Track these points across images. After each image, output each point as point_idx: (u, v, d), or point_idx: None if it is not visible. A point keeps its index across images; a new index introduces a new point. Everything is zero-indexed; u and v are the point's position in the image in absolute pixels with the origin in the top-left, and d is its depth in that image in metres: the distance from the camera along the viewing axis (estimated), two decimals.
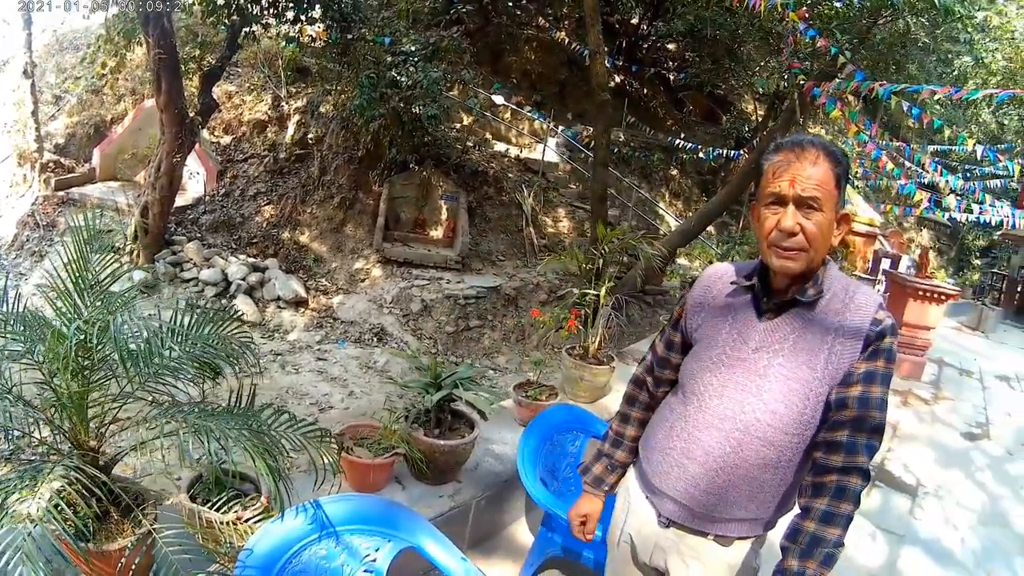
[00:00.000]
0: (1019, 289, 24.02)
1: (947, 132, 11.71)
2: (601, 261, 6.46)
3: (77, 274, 2.90)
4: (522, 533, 4.51)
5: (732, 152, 17.23)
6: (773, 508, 2.18)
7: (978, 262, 32.28)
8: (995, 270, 28.86)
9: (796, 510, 2.12)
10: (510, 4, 19.28)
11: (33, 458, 2.72)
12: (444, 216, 13.80)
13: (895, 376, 9.23)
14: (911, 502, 6.43)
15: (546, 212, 15.02)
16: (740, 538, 2.21)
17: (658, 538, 2.32)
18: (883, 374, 1.99)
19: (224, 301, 11.13)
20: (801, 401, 2.01)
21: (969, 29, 14.62)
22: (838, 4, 11.91)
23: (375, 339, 11.16)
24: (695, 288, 2.34)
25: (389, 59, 12.66)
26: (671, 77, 22.02)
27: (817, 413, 2.02)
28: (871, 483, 6.21)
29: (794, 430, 2.03)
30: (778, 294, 2.10)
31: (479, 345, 11.53)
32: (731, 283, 2.22)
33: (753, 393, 2.06)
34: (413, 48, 13.10)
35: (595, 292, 6.17)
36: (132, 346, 2.80)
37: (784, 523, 2.16)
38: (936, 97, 8.55)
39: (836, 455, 1.98)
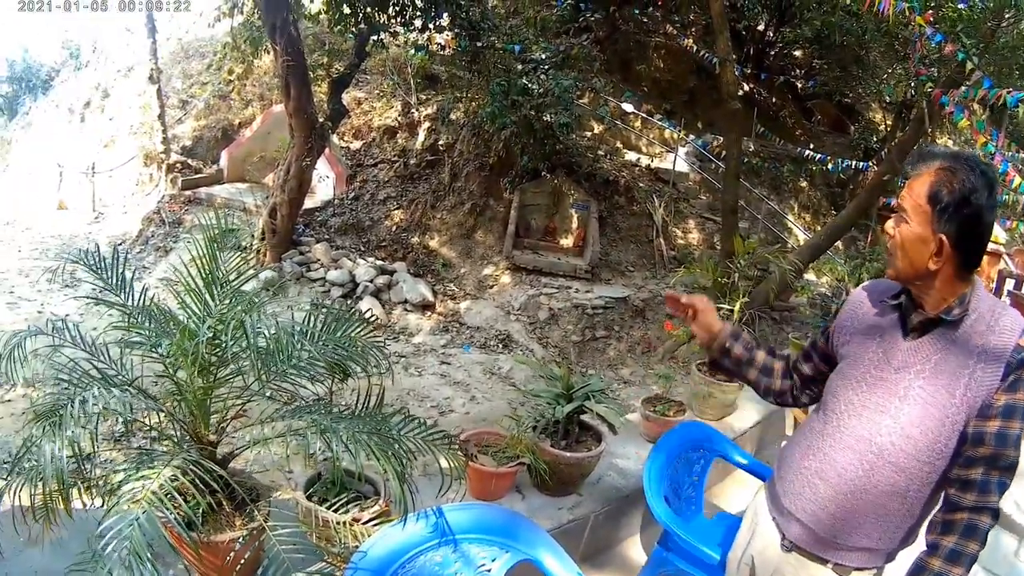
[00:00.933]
0: None
1: None
2: (736, 275, 6.30)
3: (207, 271, 2.93)
4: (635, 550, 4.45)
5: (861, 163, 16.75)
6: (896, 541, 2.14)
7: None
8: None
9: (920, 545, 2.07)
10: (637, 12, 19.09)
11: (147, 447, 2.80)
12: (575, 225, 13.74)
13: None
14: (1018, 543, 6.09)
15: (676, 223, 14.83)
16: (858, 569, 2.17)
17: (779, 563, 2.30)
18: (1007, 407, 1.90)
19: (350, 302, 11.28)
20: (937, 427, 1.96)
21: None
22: (962, 6, 11.49)
23: (500, 345, 11.15)
24: (844, 308, 2.32)
25: (519, 67, 12.70)
26: (799, 85, 21.71)
27: (952, 442, 1.97)
28: None
29: (926, 458, 1.99)
30: (922, 312, 2.06)
31: (604, 356, 11.41)
32: (880, 301, 2.19)
33: (891, 415, 2.02)
34: (543, 56, 13.15)
35: (728, 307, 6.08)
36: (263, 344, 2.81)
37: (904, 558, 2.15)
38: None
39: (969, 493, 1.93)
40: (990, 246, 17.86)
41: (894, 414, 2.01)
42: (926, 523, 2.11)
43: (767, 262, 7.49)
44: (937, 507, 2.05)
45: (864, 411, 2.07)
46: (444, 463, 2.90)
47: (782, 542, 2.27)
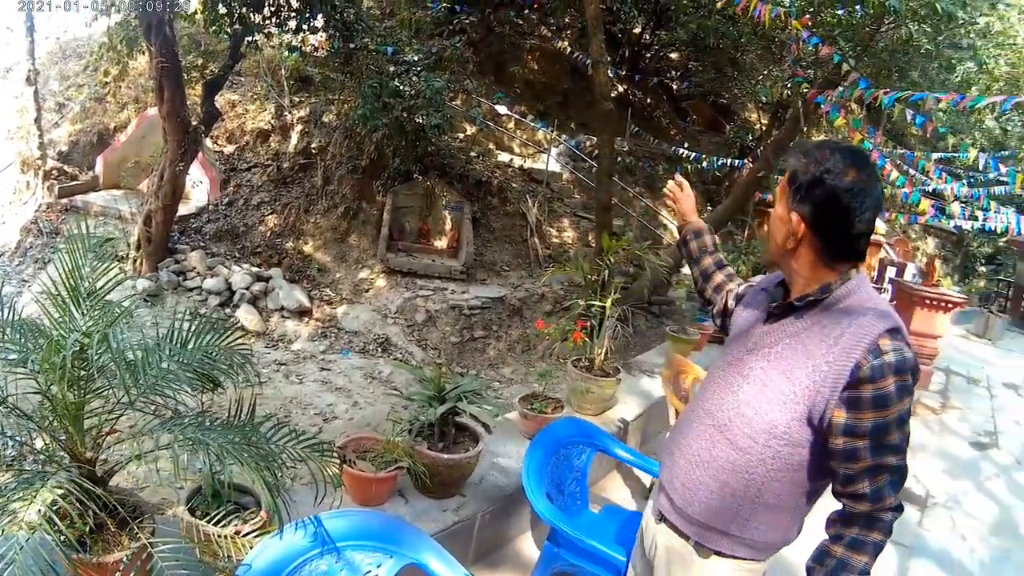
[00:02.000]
0: None
1: (951, 140, 11.71)
2: (606, 272, 6.43)
3: (73, 283, 2.90)
4: (528, 547, 4.50)
5: (736, 161, 17.12)
6: (753, 529, 2.14)
7: (983, 269, 32.31)
8: (1001, 277, 29.15)
9: (802, 553, 2.14)
10: (512, 14, 19.29)
11: (31, 468, 2.71)
12: (448, 226, 13.80)
13: None
14: (920, 514, 6.43)
15: (550, 222, 15.02)
16: (717, 553, 2.19)
17: (655, 532, 2.39)
18: (877, 424, 1.89)
19: (228, 311, 11.15)
20: (773, 410, 2.00)
21: (971, 35, 14.61)
22: (840, 12, 11.88)
23: (379, 349, 11.14)
24: (750, 287, 2.45)
25: (392, 69, 12.70)
26: (674, 86, 22.17)
27: (793, 430, 1.99)
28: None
29: (763, 440, 2.02)
30: (777, 297, 2.19)
31: (484, 356, 11.49)
32: (770, 284, 2.28)
33: (732, 393, 2.12)
34: (416, 58, 13.19)
35: (600, 303, 6.14)
36: (130, 356, 2.78)
37: (778, 563, 2.27)
38: (940, 105, 8.55)
39: (862, 504, 1.97)
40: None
41: (735, 392, 2.10)
42: (799, 524, 2.20)
43: (643, 259, 7.67)
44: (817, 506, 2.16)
45: (717, 387, 2.19)
46: (319, 471, 2.90)
47: (654, 511, 2.39)
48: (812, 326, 2.02)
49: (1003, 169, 10.97)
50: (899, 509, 1.99)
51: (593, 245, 11.49)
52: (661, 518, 2.32)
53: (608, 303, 6.13)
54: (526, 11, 19.84)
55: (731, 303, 2.58)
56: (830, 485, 2.08)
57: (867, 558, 1.95)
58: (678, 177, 3.03)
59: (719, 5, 12.77)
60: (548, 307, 12.23)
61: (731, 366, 2.18)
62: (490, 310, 12.08)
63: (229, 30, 11.65)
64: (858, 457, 1.91)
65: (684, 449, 2.22)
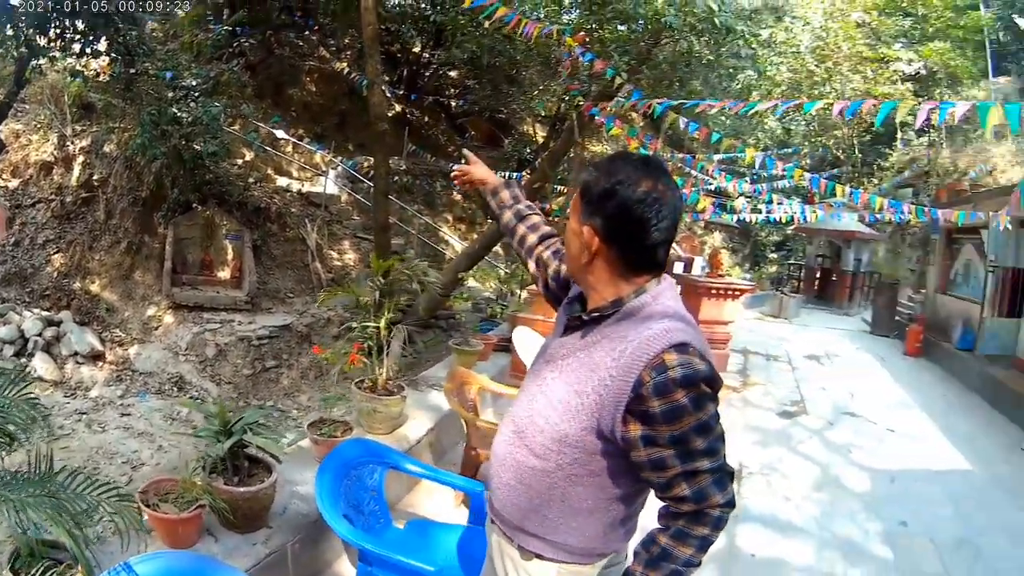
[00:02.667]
0: (817, 275, 26.39)
1: (726, 143, 12.53)
2: (378, 293, 6.65)
3: None
4: (346, 569, 4.60)
5: (515, 174, 17.31)
6: (564, 533, 2.12)
7: (774, 256, 34.26)
8: (792, 261, 31.32)
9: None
10: (293, 35, 19.23)
11: None
12: (230, 256, 13.60)
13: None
14: (737, 484, 6.75)
15: (331, 245, 15.08)
16: (538, 556, 2.17)
17: (491, 534, 2.38)
18: (675, 436, 1.87)
19: (23, 360, 10.65)
20: (563, 421, 1.99)
21: (754, 45, 15.50)
22: (622, 28, 12.39)
23: (175, 389, 10.91)
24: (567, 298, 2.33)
25: (171, 94, 12.40)
26: (452, 104, 22.34)
27: (585, 441, 1.98)
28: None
29: (557, 447, 2.02)
30: (576, 307, 2.20)
31: (279, 386, 11.46)
32: (570, 298, 2.28)
33: (529, 402, 2.13)
34: (194, 82, 12.92)
35: (375, 324, 6.30)
36: None
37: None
38: (713, 111, 9.15)
39: (685, 504, 1.96)
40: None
41: (531, 402, 2.11)
42: (624, 528, 2.20)
43: (415, 277, 7.89)
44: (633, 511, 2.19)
45: (522, 395, 2.22)
46: (121, 518, 2.91)
47: (488, 515, 2.40)
48: (601, 340, 2.00)
49: (779, 166, 11.89)
50: (730, 505, 1.97)
51: (394, 264, 11.62)
52: (492, 520, 2.33)
53: (382, 323, 6.27)
54: (306, 32, 19.78)
55: (551, 282, 2.57)
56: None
57: (691, 551, 1.95)
58: (465, 158, 3.10)
59: (487, 25, 13.11)
60: (335, 331, 12.25)
61: (532, 376, 2.20)
62: (279, 339, 12.00)
63: (15, 53, 11.33)
64: (667, 466, 1.90)
65: (497, 453, 2.23)
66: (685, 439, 1.86)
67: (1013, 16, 25.15)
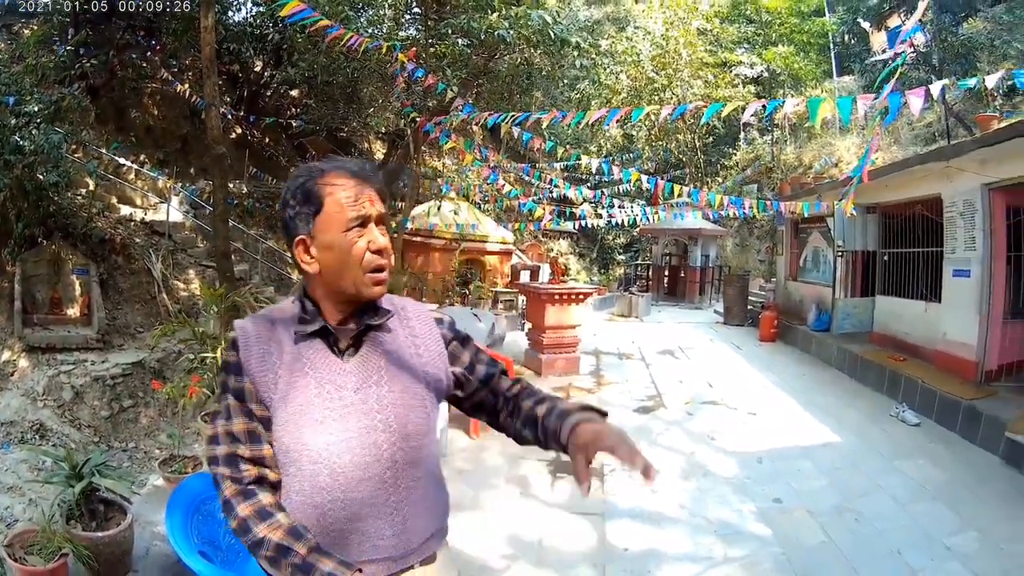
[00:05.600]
0: (666, 273, 26.98)
1: (560, 152, 12.73)
2: (213, 323, 6.51)
3: None
4: None
5: None
6: (445, 506, 2.21)
7: (622, 257, 34.90)
8: (639, 261, 31.83)
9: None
10: (135, 56, 18.68)
11: None
12: (78, 292, 12.88)
13: (553, 375, 10.89)
14: (600, 483, 6.94)
15: (177, 275, 14.64)
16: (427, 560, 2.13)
17: None
18: (475, 346, 2.30)
19: None
20: (424, 411, 2.06)
21: (593, 55, 15.69)
22: (462, 42, 12.49)
23: (37, 437, 10.27)
24: (245, 358, 1.98)
25: (13, 121, 11.77)
26: (293, 124, 22.08)
27: (435, 413, 2.13)
28: (554, 476, 6.98)
29: (427, 439, 2.08)
30: (345, 328, 2.03)
31: (138, 425, 11.05)
32: (287, 331, 2.01)
33: (382, 430, 1.97)
34: (36, 108, 12.26)
35: (213, 354, 6.27)
36: None
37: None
38: (545, 124, 9.24)
39: (516, 385, 2.28)
40: (500, 246, 19.89)
41: (385, 427, 1.97)
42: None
43: (246, 304, 7.76)
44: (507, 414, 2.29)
45: (353, 443, 1.94)
46: None
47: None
48: (393, 334, 2.08)
49: (616, 171, 12.06)
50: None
51: (225, 293, 11.21)
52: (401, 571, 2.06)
53: (218, 353, 6.20)
54: (149, 53, 19.30)
55: (255, 423, 2.03)
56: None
57: (544, 391, 2.26)
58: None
59: (325, 42, 13.00)
60: (188, 364, 11.88)
61: (348, 418, 1.95)
62: (132, 376, 11.52)
63: None
64: (491, 362, 2.29)
65: (370, 513, 1.97)
66: (472, 348, 2.31)
67: (857, 19, 26.48)
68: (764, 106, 7.19)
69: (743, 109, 7.20)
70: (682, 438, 8.77)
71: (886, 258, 14.42)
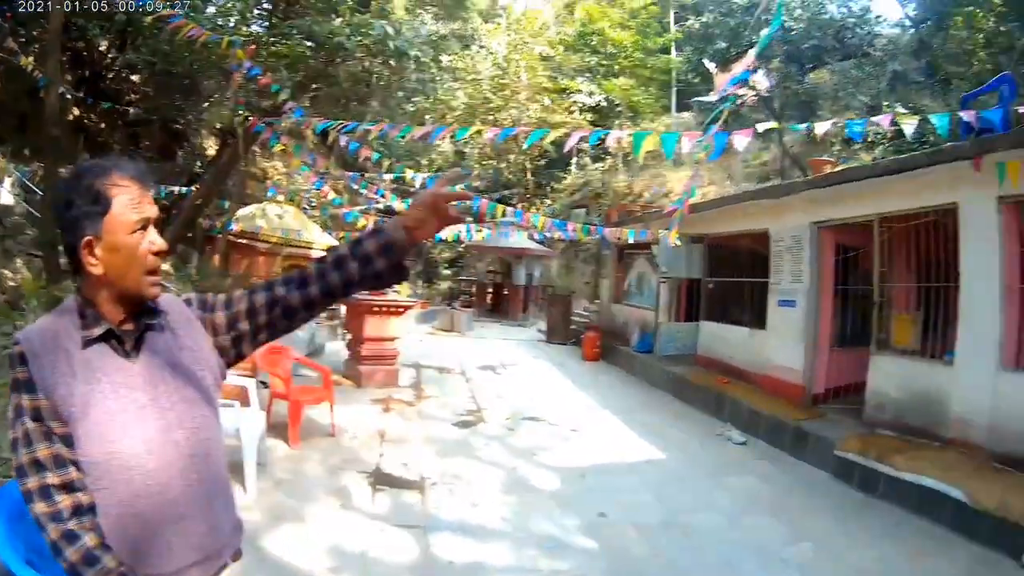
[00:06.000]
0: (489, 290, 27.29)
1: (387, 164, 12.91)
2: (32, 317, 6.34)
3: None
4: None
5: (184, 188, 17.00)
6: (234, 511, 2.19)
7: (447, 272, 35.28)
8: (464, 277, 32.14)
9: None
10: None
11: None
12: None
13: (373, 387, 10.69)
14: (421, 496, 6.97)
15: (4, 264, 13.70)
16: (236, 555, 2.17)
17: None
18: (223, 299, 2.16)
19: None
20: (208, 402, 2.05)
21: (433, 70, 15.86)
22: (309, 43, 12.51)
23: None
24: (36, 373, 1.88)
25: None
26: (131, 111, 21.33)
27: (218, 400, 2.12)
28: (375, 488, 6.94)
29: (216, 431, 2.08)
30: (127, 330, 1.98)
31: None
32: (82, 339, 1.92)
33: (177, 427, 1.96)
34: None
35: None
36: None
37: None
38: (372, 135, 9.32)
39: (286, 279, 2.13)
40: (322, 253, 19.96)
41: (179, 424, 1.96)
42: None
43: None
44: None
45: (153, 445, 1.91)
46: None
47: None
48: (165, 330, 2.04)
49: None
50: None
51: (46, 286, 10.51)
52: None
53: None
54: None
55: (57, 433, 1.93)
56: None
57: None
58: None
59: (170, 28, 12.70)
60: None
61: (145, 421, 1.92)
62: None
63: None
64: (248, 294, 2.15)
65: (172, 515, 1.93)
66: (224, 300, 2.16)
67: (703, 60, 27.88)
68: (587, 137, 7.51)
69: (567, 137, 7.46)
70: (504, 453, 8.83)
71: (711, 286, 15.06)
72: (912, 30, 28.86)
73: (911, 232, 9.76)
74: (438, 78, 18.89)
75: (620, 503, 7.21)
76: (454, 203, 2.11)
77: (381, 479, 7.26)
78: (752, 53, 10.66)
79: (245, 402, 7.02)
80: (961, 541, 6.61)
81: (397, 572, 5.36)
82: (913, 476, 7.50)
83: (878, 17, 31.61)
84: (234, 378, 7.44)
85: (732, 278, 14.39)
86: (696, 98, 26.78)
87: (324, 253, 2.16)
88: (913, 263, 9.96)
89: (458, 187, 2.18)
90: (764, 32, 12.71)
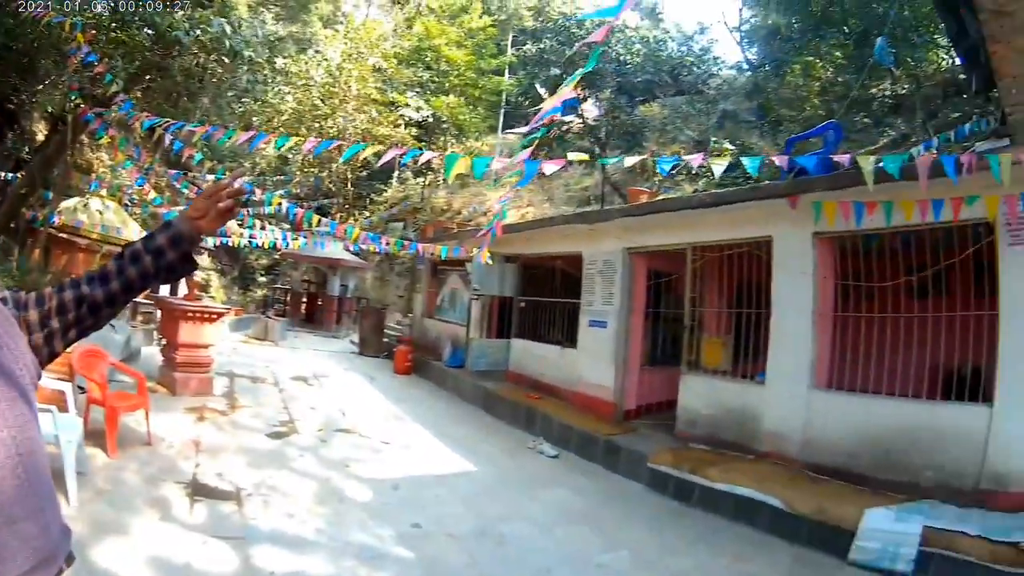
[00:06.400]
0: (304, 299, 26.99)
1: (208, 165, 12.80)
2: None
3: None
4: None
5: (11, 175, 16.10)
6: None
7: (264, 279, 34.82)
8: (279, 285, 31.68)
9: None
10: None
11: None
12: None
13: (187, 395, 10.64)
14: (238, 506, 6.93)
15: None
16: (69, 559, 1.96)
17: None
18: (36, 296, 2.05)
19: None
20: (27, 401, 1.83)
21: (267, 72, 15.69)
22: (149, 32, 12.20)
23: None
24: None
25: None
26: None
27: (35, 398, 1.90)
28: (192, 499, 6.88)
29: (37, 430, 1.86)
30: None
31: None
32: None
33: (3, 426, 1.73)
34: None
35: None
36: None
37: None
38: (196, 136, 9.29)
39: (94, 287, 2.07)
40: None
41: (4, 425, 1.74)
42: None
43: None
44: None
45: None
46: None
47: None
48: None
49: (258, 193, 12.25)
50: None
51: None
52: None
53: None
54: None
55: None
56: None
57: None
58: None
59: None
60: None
61: None
62: None
63: None
64: (57, 291, 2.05)
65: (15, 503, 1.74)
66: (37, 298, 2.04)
67: (535, 84, 28.41)
68: (403, 154, 7.67)
69: (384, 153, 7.57)
70: (316, 464, 8.84)
71: (523, 304, 15.53)
72: (749, 73, 30.36)
73: (724, 260, 10.33)
74: (270, 80, 18.66)
75: (433, 514, 7.38)
76: (232, 195, 2.18)
77: (198, 490, 7.19)
78: (564, 87, 11.23)
79: (63, 407, 6.91)
80: (782, 544, 7.08)
81: None
82: (727, 486, 7.97)
83: (716, 58, 33.27)
84: (51, 382, 7.36)
85: (545, 298, 14.86)
86: (511, 129, 27.38)
87: (121, 249, 2.15)
88: (726, 290, 10.57)
89: (237, 183, 2.21)
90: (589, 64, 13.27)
